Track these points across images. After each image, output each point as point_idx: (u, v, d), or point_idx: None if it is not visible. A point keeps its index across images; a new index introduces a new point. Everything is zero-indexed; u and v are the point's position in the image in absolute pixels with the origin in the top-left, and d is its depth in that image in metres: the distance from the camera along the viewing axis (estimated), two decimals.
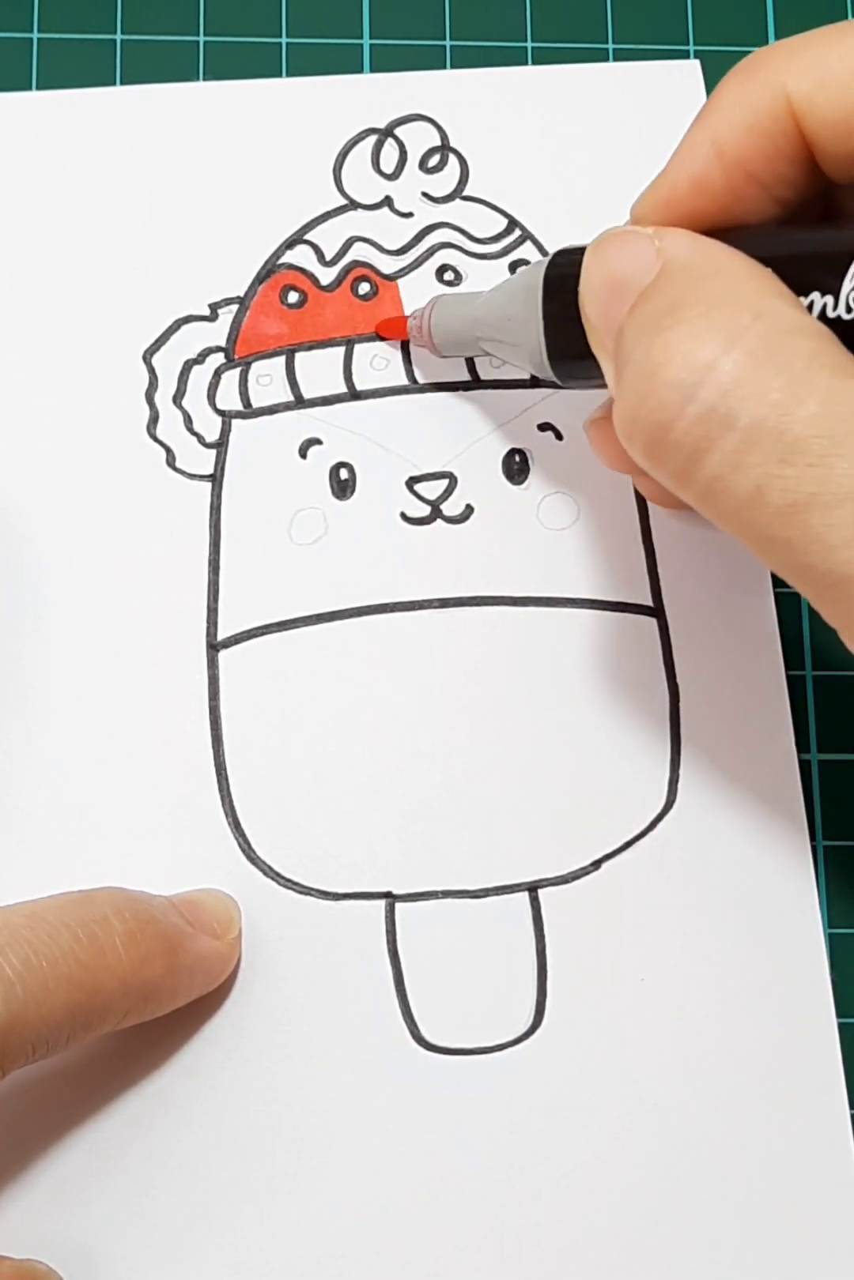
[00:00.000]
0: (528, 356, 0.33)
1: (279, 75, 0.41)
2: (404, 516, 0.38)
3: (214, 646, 0.37)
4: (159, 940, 0.32)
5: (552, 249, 0.39)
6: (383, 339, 0.38)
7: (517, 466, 0.38)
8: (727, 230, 0.29)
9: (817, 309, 0.27)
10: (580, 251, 0.30)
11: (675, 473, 0.27)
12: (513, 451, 0.38)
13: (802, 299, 0.27)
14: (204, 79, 0.41)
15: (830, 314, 0.27)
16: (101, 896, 0.32)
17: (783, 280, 0.27)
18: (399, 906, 0.36)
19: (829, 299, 0.27)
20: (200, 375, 0.38)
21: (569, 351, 0.32)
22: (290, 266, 0.39)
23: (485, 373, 0.38)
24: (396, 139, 0.40)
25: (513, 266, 0.39)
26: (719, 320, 0.26)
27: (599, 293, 0.29)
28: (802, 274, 0.28)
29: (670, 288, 0.28)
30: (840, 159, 0.28)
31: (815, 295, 0.27)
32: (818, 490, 0.25)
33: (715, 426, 0.26)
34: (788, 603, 0.38)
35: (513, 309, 0.33)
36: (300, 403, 0.38)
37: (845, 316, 0.27)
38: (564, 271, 0.32)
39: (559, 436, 0.38)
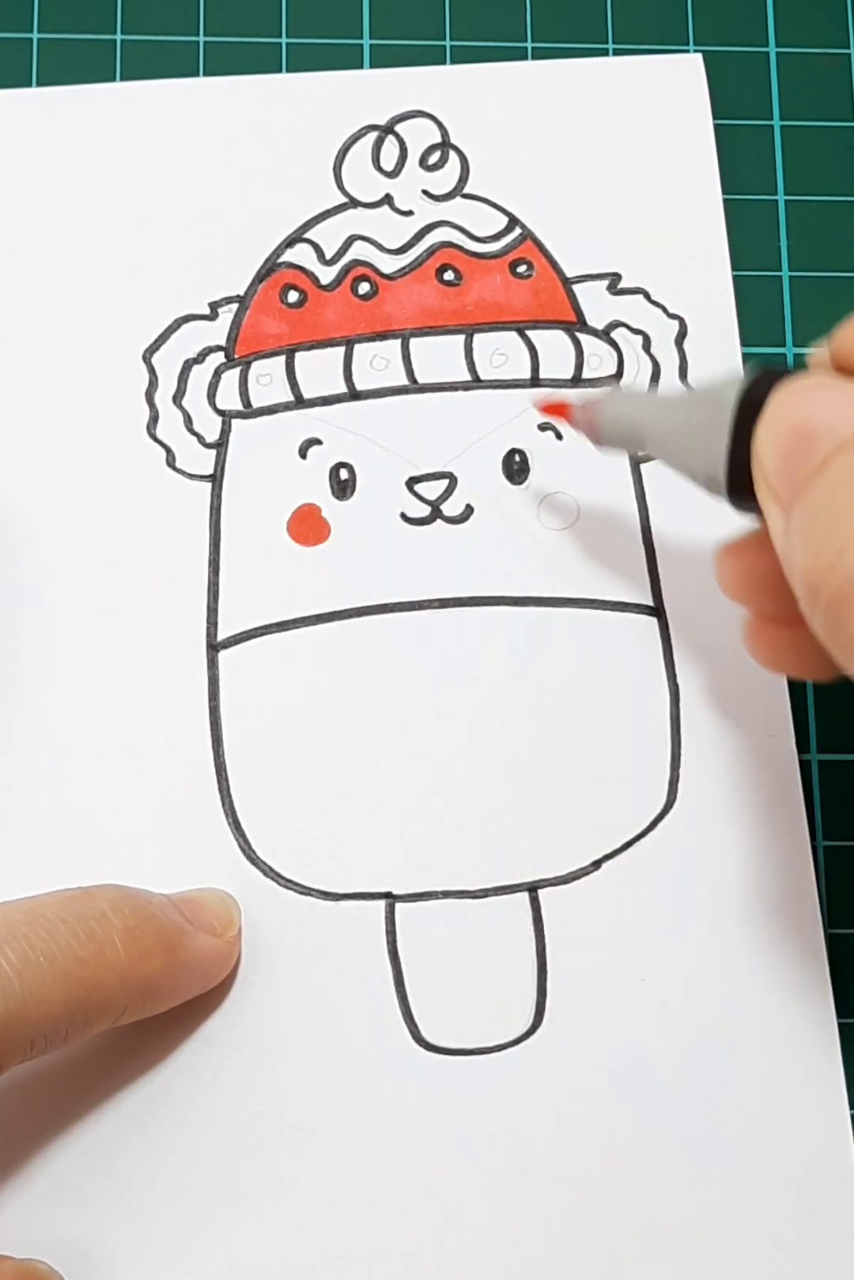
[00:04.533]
0: (701, 473, 0.31)
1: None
2: (404, 517, 0.38)
3: (214, 646, 0.37)
4: (158, 937, 0.32)
5: (552, 246, 0.39)
6: (551, 426, 0.38)
7: (517, 466, 0.38)
8: None
9: None
10: (781, 375, 0.29)
11: (811, 507, 0.26)
12: (513, 451, 0.38)
13: None
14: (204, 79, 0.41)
15: None
16: (100, 893, 0.32)
17: None
18: (399, 907, 0.36)
19: None
20: (200, 375, 0.38)
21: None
22: (290, 265, 0.39)
23: (485, 373, 0.38)
24: (397, 136, 0.40)
25: (513, 266, 0.39)
26: None
27: (782, 437, 0.27)
28: None
29: None
30: None
31: None
32: None
33: None
34: None
35: (693, 420, 0.31)
36: (300, 402, 0.38)
37: None
38: (765, 395, 0.29)
39: (559, 436, 0.38)
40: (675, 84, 0.40)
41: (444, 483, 0.38)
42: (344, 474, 0.38)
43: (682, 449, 0.32)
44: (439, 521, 0.38)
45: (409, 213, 0.39)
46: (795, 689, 0.37)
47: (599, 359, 0.39)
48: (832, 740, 0.38)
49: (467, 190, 0.40)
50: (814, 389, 0.28)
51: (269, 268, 0.39)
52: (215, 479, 0.38)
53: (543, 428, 0.38)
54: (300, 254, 0.39)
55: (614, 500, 0.38)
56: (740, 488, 0.30)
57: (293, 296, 0.39)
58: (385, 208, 0.39)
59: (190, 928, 0.33)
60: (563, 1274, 0.34)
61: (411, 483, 0.38)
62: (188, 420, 0.38)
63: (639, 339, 0.39)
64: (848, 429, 0.26)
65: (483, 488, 0.38)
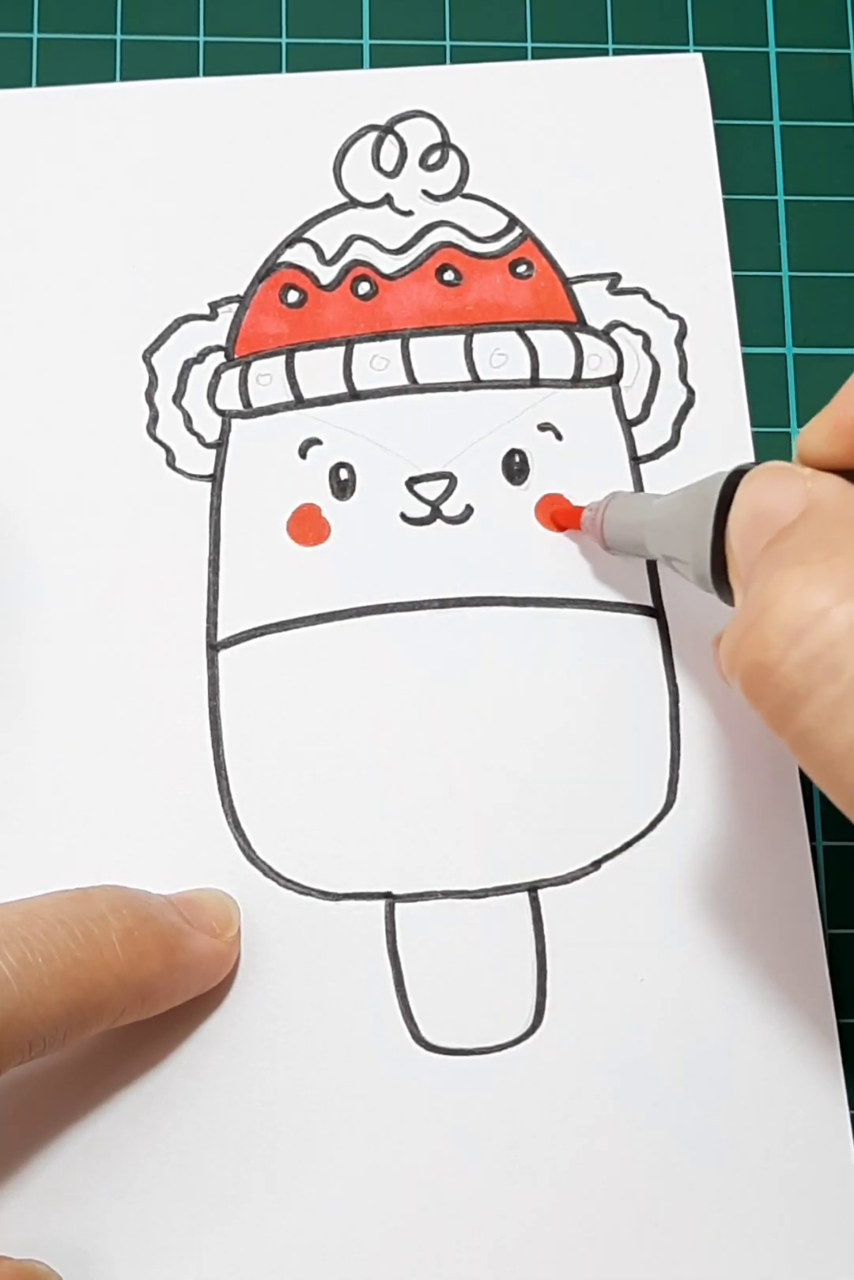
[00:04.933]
0: (692, 567, 0.32)
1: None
2: (404, 517, 0.38)
3: (214, 646, 0.37)
4: (156, 938, 0.32)
5: (552, 246, 0.39)
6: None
7: (516, 466, 0.38)
8: None
9: None
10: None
11: (771, 712, 0.27)
12: (513, 452, 0.38)
13: None
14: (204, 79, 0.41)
15: None
16: (99, 894, 0.32)
17: None
18: (399, 906, 0.36)
19: None
20: (200, 374, 0.38)
21: None
22: (290, 265, 0.39)
23: (485, 373, 0.38)
24: (397, 136, 0.40)
25: (512, 266, 0.39)
26: (839, 568, 0.26)
27: (743, 523, 0.29)
28: None
29: (806, 529, 0.28)
30: None
31: None
32: None
33: (818, 675, 0.26)
34: None
35: (685, 518, 0.32)
36: (300, 402, 0.38)
37: None
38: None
39: (559, 436, 0.38)
40: (675, 84, 0.40)
41: (444, 483, 0.38)
42: (344, 474, 0.38)
43: (675, 546, 0.33)
44: (439, 521, 0.38)
45: (409, 213, 0.39)
46: None
47: (599, 359, 0.39)
48: None
49: (466, 190, 0.40)
50: (770, 476, 0.29)
51: (269, 268, 0.39)
52: (215, 479, 0.38)
53: (543, 428, 0.38)
54: (300, 254, 0.39)
55: None
56: (722, 577, 0.31)
57: (293, 296, 0.39)
58: (385, 208, 0.39)
59: (189, 928, 0.33)
60: (563, 1273, 0.34)
61: (411, 483, 0.38)
62: (188, 420, 0.38)
63: (639, 339, 0.39)
64: (792, 515, 0.28)
65: (483, 488, 0.38)
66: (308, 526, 0.38)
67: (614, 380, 0.39)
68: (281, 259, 0.39)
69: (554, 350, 0.39)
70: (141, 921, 0.32)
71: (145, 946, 0.31)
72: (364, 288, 0.39)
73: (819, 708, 0.26)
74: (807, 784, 0.37)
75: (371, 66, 0.41)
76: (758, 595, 0.27)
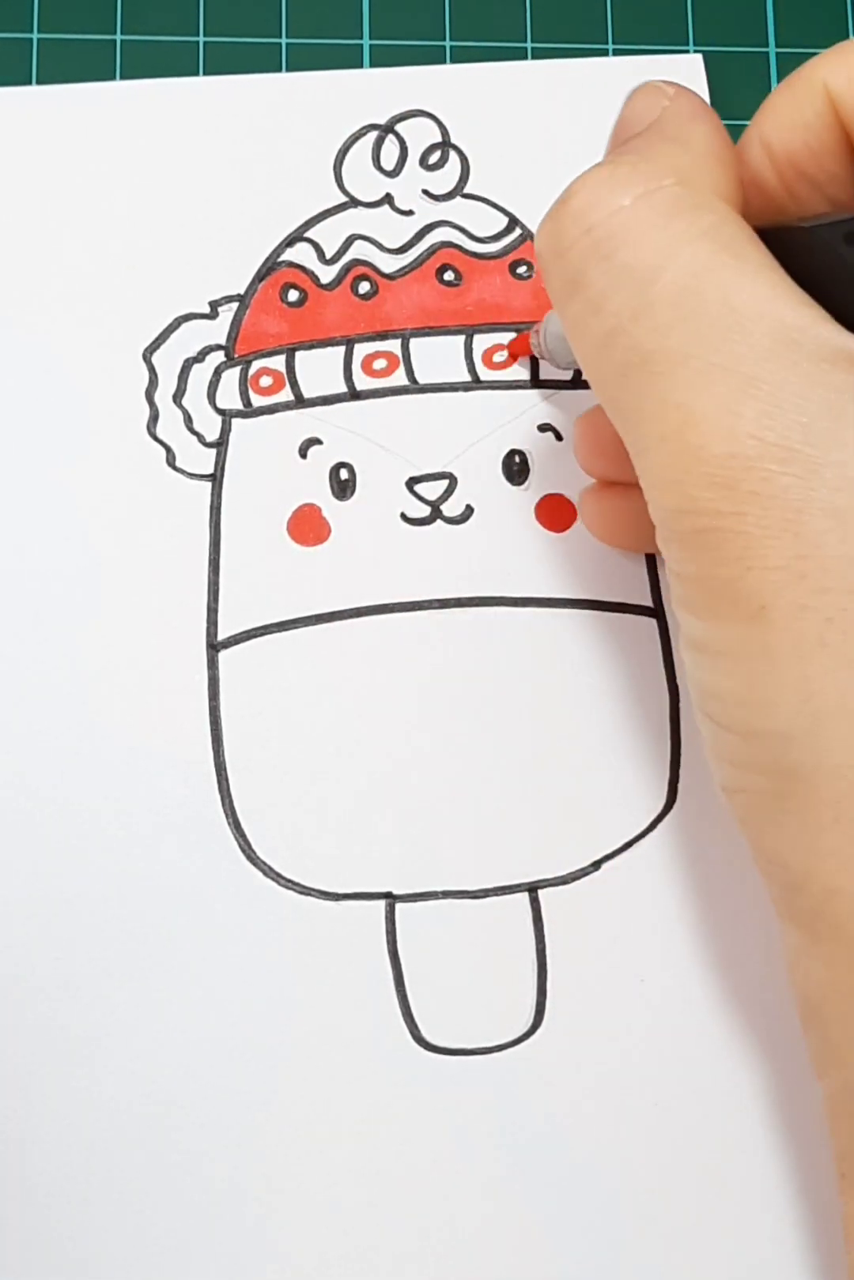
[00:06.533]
0: None
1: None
2: (404, 517, 0.38)
3: (214, 646, 0.37)
4: None
5: None
6: (551, 426, 0.38)
7: (516, 467, 0.38)
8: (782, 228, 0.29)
9: None
10: None
11: (556, 294, 0.28)
12: (513, 452, 0.38)
13: None
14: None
15: None
16: None
17: None
18: (399, 907, 0.36)
19: None
20: (200, 373, 0.38)
21: None
22: (291, 264, 0.39)
23: (485, 373, 0.38)
24: (397, 135, 0.40)
25: (513, 267, 0.39)
26: (643, 171, 0.27)
27: (616, 128, 0.30)
28: None
29: (644, 138, 0.28)
30: None
31: None
32: (655, 352, 0.25)
33: (594, 260, 0.26)
34: None
35: None
36: (300, 402, 0.38)
37: None
38: None
39: (559, 437, 0.38)
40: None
41: (444, 483, 0.38)
42: (344, 474, 0.38)
43: None
44: (439, 522, 0.38)
45: (409, 212, 0.39)
46: None
47: None
48: None
49: (467, 190, 0.40)
50: (647, 89, 0.30)
51: (269, 267, 0.39)
52: (215, 478, 0.38)
53: (543, 428, 0.38)
54: (300, 253, 0.39)
55: None
56: None
57: (293, 295, 0.39)
58: (385, 207, 0.39)
59: None
60: (562, 1273, 0.34)
61: (412, 483, 0.38)
62: (188, 419, 0.38)
63: None
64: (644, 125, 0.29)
65: (483, 488, 0.38)
66: (308, 526, 0.38)
67: None
68: (282, 258, 0.39)
69: None
70: None
71: None
72: (364, 287, 0.39)
73: (589, 295, 0.26)
74: None
75: (372, 66, 0.41)
76: (575, 180, 0.28)
